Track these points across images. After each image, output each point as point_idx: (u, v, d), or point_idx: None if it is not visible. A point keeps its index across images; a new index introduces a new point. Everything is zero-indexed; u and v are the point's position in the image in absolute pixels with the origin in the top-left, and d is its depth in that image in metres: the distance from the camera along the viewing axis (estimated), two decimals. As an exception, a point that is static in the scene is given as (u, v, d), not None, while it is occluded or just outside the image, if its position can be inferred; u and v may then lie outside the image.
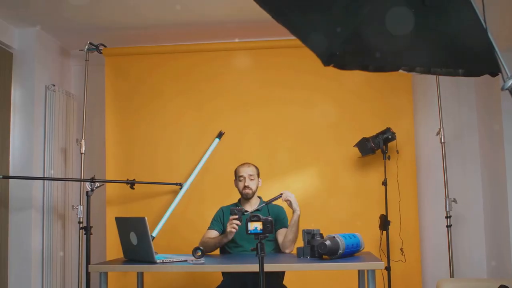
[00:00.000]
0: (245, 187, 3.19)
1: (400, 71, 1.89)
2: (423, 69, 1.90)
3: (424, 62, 1.91)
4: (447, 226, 3.79)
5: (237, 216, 2.90)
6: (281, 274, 3.18)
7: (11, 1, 3.61)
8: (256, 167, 3.29)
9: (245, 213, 3.00)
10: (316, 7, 1.72)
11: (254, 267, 2.37)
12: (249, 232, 2.23)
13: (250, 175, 3.20)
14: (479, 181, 4.16)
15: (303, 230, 2.82)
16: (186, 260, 2.68)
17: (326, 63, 1.73)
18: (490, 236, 4.03)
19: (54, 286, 4.03)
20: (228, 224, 2.95)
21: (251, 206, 3.24)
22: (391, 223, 3.73)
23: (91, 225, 3.55)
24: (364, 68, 1.85)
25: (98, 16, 3.90)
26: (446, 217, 3.80)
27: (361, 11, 1.74)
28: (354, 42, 1.76)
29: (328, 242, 2.55)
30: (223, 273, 3.21)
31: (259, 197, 3.30)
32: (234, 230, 2.91)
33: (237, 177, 3.25)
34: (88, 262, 3.45)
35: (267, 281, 2.19)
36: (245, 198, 3.23)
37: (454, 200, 3.81)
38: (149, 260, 2.62)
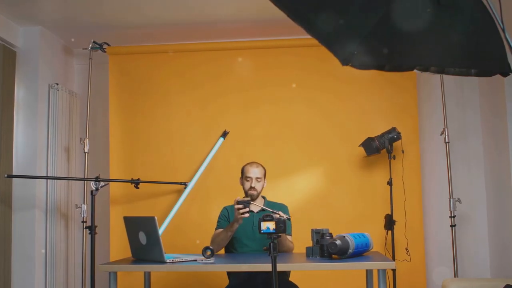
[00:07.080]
0: (251, 187, 3.18)
1: (415, 70, 1.90)
2: (437, 69, 1.91)
3: (438, 61, 1.91)
4: (451, 226, 3.80)
5: (242, 206, 2.85)
6: (287, 272, 3.17)
7: (15, 0, 3.58)
8: (264, 168, 3.27)
9: (251, 203, 3.01)
10: (334, 7, 1.72)
11: (265, 267, 2.37)
12: (261, 231, 2.22)
13: (258, 177, 3.19)
14: (483, 181, 4.16)
15: (312, 229, 2.80)
16: (196, 260, 2.67)
17: (344, 62, 1.72)
18: (494, 236, 4.04)
19: (57, 285, 4.02)
20: (236, 213, 2.89)
21: (254, 205, 3.24)
22: (396, 223, 3.74)
23: (95, 224, 3.54)
24: (381, 67, 1.85)
25: (102, 15, 3.89)
26: (450, 217, 3.80)
27: (378, 11, 1.74)
28: (371, 42, 1.76)
29: (338, 242, 2.55)
30: (229, 274, 3.20)
31: (263, 197, 3.30)
32: (246, 215, 2.86)
33: (244, 176, 3.23)
34: (93, 261, 3.43)
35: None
36: (250, 198, 3.23)
37: (458, 200, 3.82)
38: (159, 259, 2.61)
